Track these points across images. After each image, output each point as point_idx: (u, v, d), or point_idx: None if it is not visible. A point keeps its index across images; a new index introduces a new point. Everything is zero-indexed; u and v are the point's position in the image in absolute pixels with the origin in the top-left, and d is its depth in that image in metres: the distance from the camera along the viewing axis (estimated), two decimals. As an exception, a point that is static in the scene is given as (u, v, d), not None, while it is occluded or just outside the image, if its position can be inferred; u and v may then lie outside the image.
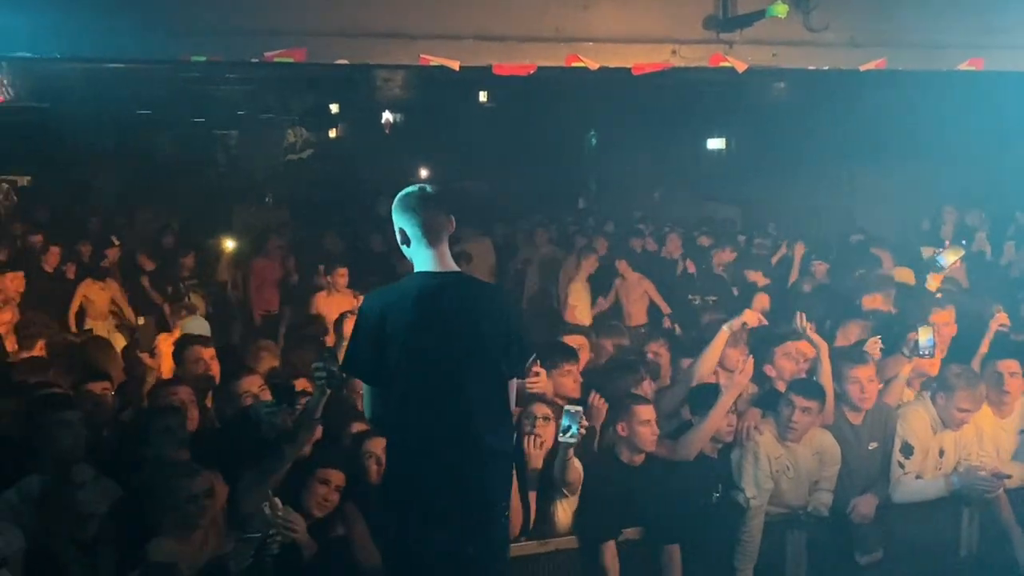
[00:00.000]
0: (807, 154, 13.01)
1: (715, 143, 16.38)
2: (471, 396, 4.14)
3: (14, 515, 4.76)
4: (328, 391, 4.97)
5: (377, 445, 5.13)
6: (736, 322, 6.33)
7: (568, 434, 5.07)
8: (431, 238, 4.21)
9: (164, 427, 5.27)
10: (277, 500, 4.83)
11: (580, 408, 5.15)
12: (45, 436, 5.09)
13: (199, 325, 7.77)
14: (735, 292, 10.24)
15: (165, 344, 7.07)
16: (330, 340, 7.18)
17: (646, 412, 5.62)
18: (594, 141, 19.09)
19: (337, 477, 5.06)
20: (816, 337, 6.37)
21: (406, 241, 4.25)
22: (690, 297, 10.51)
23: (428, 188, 4.30)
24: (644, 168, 16.21)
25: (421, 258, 4.24)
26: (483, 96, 14.29)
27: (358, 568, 4.95)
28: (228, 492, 4.94)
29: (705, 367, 6.27)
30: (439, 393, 4.11)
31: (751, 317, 6.42)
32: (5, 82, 8.01)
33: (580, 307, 10.47)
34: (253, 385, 5.78)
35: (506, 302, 4.46)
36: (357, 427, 5.52)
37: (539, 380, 5.59)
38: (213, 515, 4.81)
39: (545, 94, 12.14)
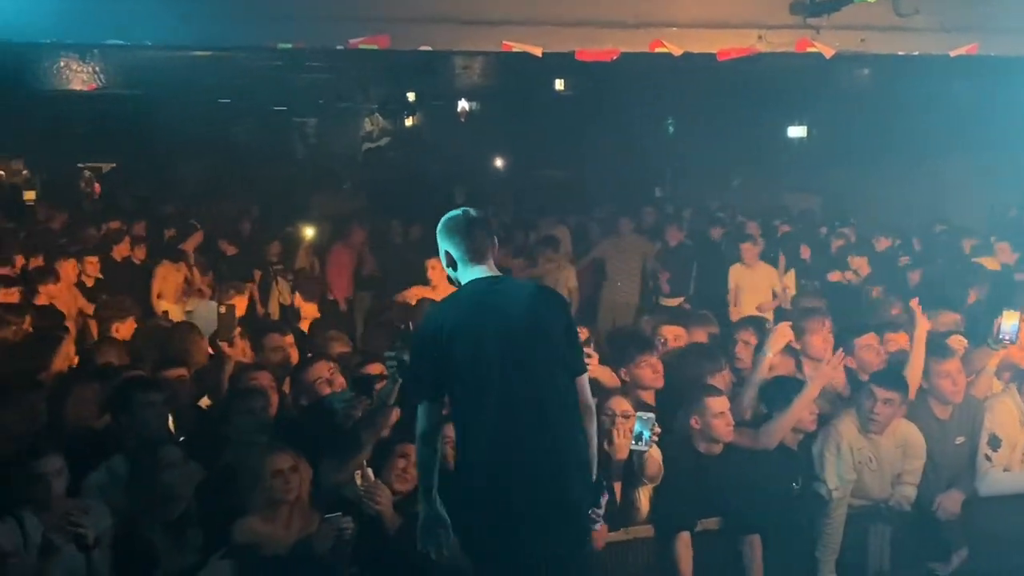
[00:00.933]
0: (890, 142, 12.74)
1: (796, 131, 16.11)
2: (543, 395, 4.16)
3: (102, 494, 4.88)
4: (399, 380, 5.01)
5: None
6: (775, 346, 6.15)
7: (641, 442, 5.04)
8: (476, 258, 4.30)
9: (248, 409, 5.36)
10: (369, 471, 4.90)
11: (652, 415, 5.11)
12: (131, 418, 5.20)
13: (208, 309, 7.80)
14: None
15: None
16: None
17: (718, 404, 5.56)
18: (671, 129, 18.91)
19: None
20: (921, 318, 6.24)
21: (452, 264, 4.35)
22: (803, 282, 10.47)
23: (472, 211, 4.39)
24: (722, 156, 16.02)
25: (468, 275, 4.31)
26: (559, 84, 14.23)
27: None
28: (311, 474, 4.98)
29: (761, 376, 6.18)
30: (511, 393, 4.12)
31: (783, 336, 6.21)
32: (97, 69, 8.18)
33: (745, 296, 10.35)
34: (324, 370, 5.82)
35: (558, 300, 4.49)
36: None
37: (591, 362, 5.41)
38: (298, 494, 4.85)
39: (622, 82, 12.04)
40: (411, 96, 18.08)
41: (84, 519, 4.20)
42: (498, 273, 4.36)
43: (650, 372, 5.93)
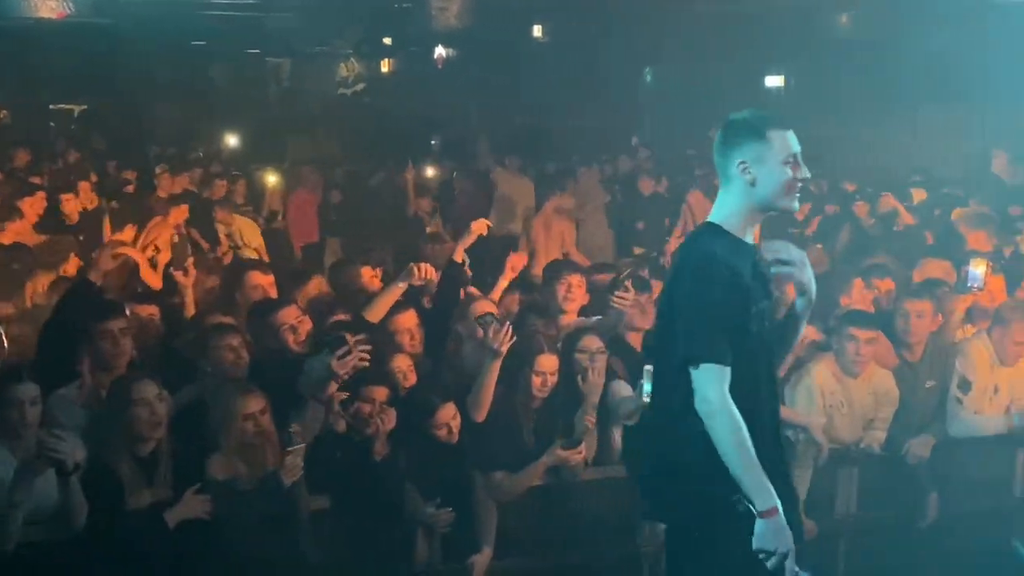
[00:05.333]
0: (869, 90, 12.66)
1: (774, 80, 16.04)
2: (775, 371, 3.84)
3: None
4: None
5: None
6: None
7: (645, 397, 4.95)
8: None
9: (227, 345, 5.31)
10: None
11: None
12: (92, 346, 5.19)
13: None
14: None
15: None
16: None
17: None
18: (649, 78, 18.79)
19: (380, 393, 5.13)
20: None
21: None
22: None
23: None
24: (701, 105, 15.93)
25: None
26: (537, 31, 14.13)
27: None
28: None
29: None
30: (760, 370, 3.65)
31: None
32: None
33: None
34: (291, 316, 5.75)
35: None
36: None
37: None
38: (269, 433, 4.85)
39: (600, 26, 11.95)
40: (387, 41, 17.93)
41: (60, 445, 4.14)
42: None
43: (639, 313, 5.97)
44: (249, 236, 10.16)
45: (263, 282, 6.62)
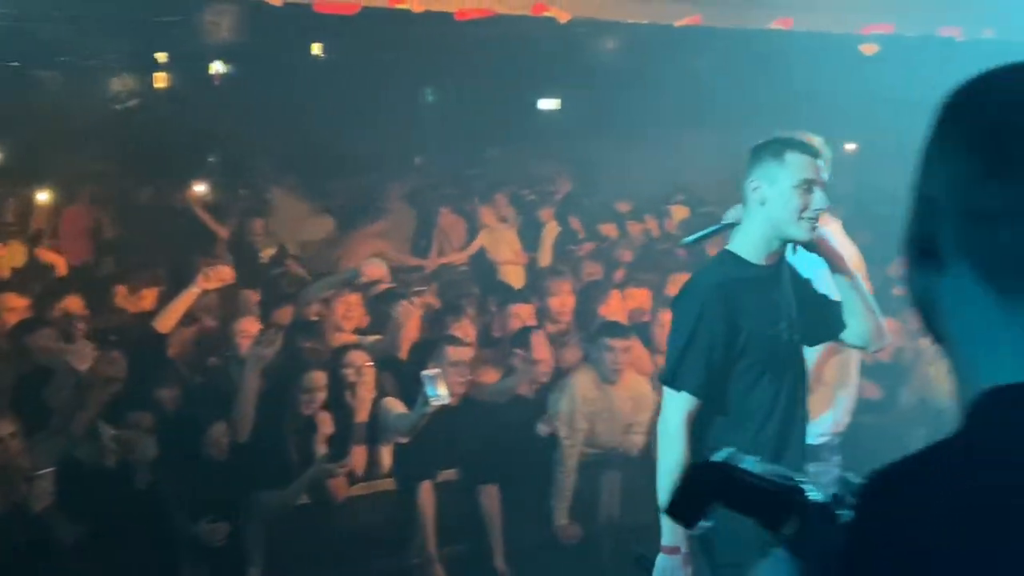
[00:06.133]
0: (633, 115, 13.19)
1: (548, 101, 16.47)
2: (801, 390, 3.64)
3: None
4: None
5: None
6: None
7: (434, 400, 5.02)
8: None
9: None
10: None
11: (438, 370, 5.12)
12: None
13: None
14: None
15: None
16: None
17: (456, 353, 5.70)
18: (430, 97, 18.91)
19: (143, 420, 5.05)
20: None
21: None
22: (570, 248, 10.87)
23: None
24: (479, 126, 16.19)
25: None
26: (316, 48, 14.01)
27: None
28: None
29: None
30: (788, 384, 3.55)
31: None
32: None
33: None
34: (49, 340, 5.61)
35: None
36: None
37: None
38: (19, 457, 4.68)
39: (379, 47, 12.00)
40: (161, 56, 17.39)
41: None
42: None
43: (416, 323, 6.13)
44: None
45: (18, 304, 6.43)
